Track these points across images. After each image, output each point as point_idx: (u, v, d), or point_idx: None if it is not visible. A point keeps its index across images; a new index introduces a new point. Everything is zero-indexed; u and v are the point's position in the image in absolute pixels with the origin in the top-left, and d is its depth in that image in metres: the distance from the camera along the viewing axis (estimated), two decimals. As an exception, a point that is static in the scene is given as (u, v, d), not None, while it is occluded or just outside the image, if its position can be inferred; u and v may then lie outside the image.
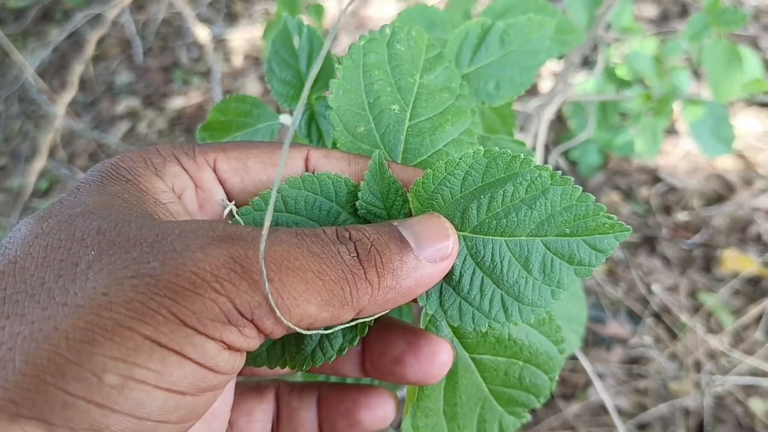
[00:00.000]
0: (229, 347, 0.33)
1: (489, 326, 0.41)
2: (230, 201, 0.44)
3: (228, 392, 0.49)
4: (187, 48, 2.47)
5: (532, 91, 2.14)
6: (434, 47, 0.53)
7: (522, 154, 0.40)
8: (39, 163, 2.05)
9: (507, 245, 0.41)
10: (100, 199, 0.37)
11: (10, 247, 0.35)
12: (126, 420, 0.30)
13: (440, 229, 0.40)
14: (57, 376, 0.29)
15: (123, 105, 2.33)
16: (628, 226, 0.40)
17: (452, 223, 0.41)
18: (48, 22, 2.54)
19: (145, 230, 0.34)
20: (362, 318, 0.41)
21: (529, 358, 0.48)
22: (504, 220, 0.40)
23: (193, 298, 0.31)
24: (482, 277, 0.41)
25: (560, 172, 0.40)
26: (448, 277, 0.41)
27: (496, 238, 0.41)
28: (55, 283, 0.32)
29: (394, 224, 0.39)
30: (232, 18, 2.54)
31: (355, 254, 0.36)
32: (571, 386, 1.62)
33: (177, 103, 2.31)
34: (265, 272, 0.32)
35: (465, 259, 0.41)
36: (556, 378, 0.49)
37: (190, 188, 0.43)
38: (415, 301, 0.42)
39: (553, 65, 2.20)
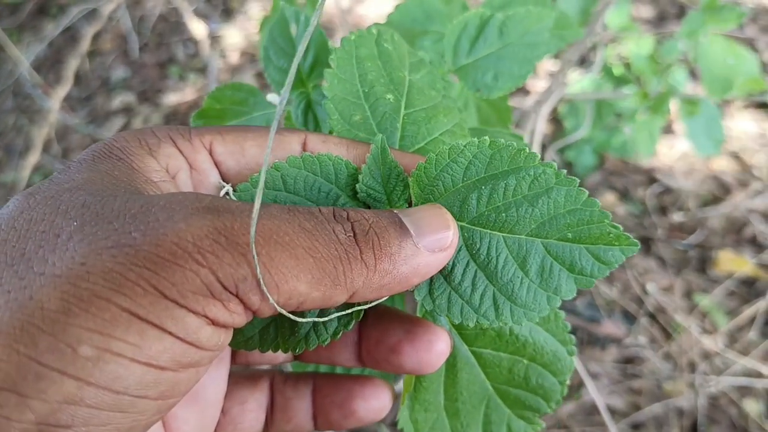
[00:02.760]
0: (213, 322, 0.32)
1: (477, 321, 0.40)
2: (226, 183, 0.43)
3: (221, 380, 0.48)
4: (183, 44, 2.46)
5: (528, 91, 2.14)
6: (415, 54, 0.53)
7: (527, 148, 0.39)
8: (33, 158, 2.04)
9: (505, 241, 0.40)
10: (89, 176, 0.36)
11: None
12: (102, 393, 0.29)
13: (441, 220, 0.39)
14: (30, 346, 0.28)
15: (118, 100, 2.32)
16: (635, 241, 0.38)
17: (451, 213, 0.40)
18: (44, 16, 2.53)
19: (130, 203, 0.33)
20: (357, 306, 0.40)
21: (534, 356, 0.47)
22: (503, 215, 0.39)
23: (173, 269, 0.30)
24: (475, 271, 0.40)
25: (564, 171, 0.39)
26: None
27: (494, 232, 0.40)
28: (35, 254, 0.31)
29: (395, 211, 0.39)
30: (228, 14, 2.53)
31: (352, 234, 0.36)
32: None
33: (172, 99, 2.30)
34: (254, 245, 0.32)
35: (460, 250, 0.40)
36: (567, 382, 0.48)
37: (185, 169, 0.42)
38: None
39: (549, 64, 2.20)
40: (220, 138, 0.43)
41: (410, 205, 0.43)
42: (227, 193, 0.42)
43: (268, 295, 0.32)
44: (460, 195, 0.40)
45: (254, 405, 0.50)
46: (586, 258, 0.39)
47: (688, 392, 1.59)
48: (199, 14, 2.48)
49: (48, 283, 0.30)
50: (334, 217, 0.36)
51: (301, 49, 0.26)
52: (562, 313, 0.47)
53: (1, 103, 2.33)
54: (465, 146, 0.40)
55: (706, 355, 1.64)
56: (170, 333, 0.30)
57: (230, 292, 0.32)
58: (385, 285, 0.37)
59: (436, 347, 0.45)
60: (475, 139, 0.40)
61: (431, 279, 0.41)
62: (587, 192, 0.38)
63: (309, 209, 0.36)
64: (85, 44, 2.24)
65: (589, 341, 1.71)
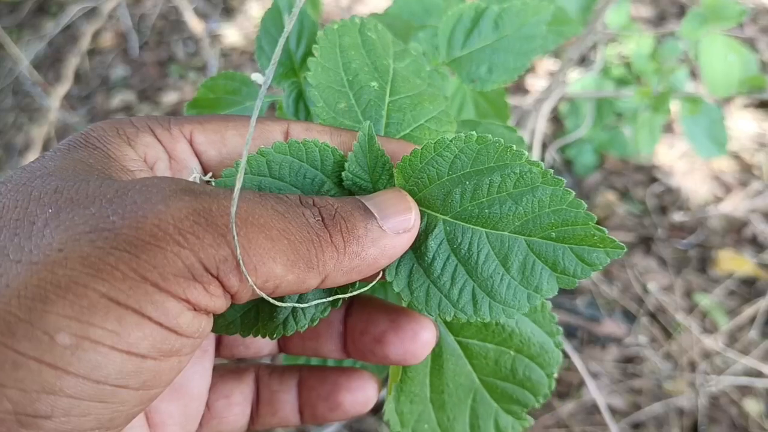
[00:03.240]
0: (194, 307, 0.32)
1: (454, 316, 0.40)
2: (206, 173, 0.43)
3: (205, 374, 0.48)
4: (183, 42, 2.46)
5: (528, 90, 2.14)
6: (399, 43, 0.53)
7: (514, 145, 0.39)
8: (33, 156, 2.04)
9: (487, 237, 0.39)
10: (61, 163, 0.36)
11: None
12: (81, 383, 0.29)
13: (402, 202, 0.39)
14: (7, 334, 0.28)
15: (118, 99, 2.32)
16: (621, 244, 0.38)
17: (434, 206, 0.41)
18: (43, 14, 2.53)
19: (104, 187, 0.33)
20: (336, 295, 0.40)
21: (520, 347, 0.47)
22: (487, 211, 0.39)
23: (154, 251, 0.30)
24: (456, 265, 0.40)
25: (552, 170, 0.38)
26: (421, 258, 0.41)
27: (476, 227, 0.40)
28: (11, 242, 0.31)
29: (357, 197, 0.39)
30: (228, 13, 2.53)
31: (320, 218, 0.36)
32: (566, 385, 1.61)
33: (172, 97, 2.30)
34: (234, 226, 0.32)
35: (441, 243, 0.40)
36: (555, 375, 0.48)
37: (163, 159, 0.42)
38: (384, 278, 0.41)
39: (549, 63, 2.19)
40: (200, 127, 0.43)
41: None
42: (200, 180, 0.42)
43: (247, 276, 0.32)
44: (444, 188, 0.40)
45: (239, 398, 0.50)
46: (569, 258, 0.38)
47: (688, 392, 1.58)
48: (199, 13, 2.48)
49: (25, 270, 0.29)
50: (301, 202, 0.37)
51: (288, 28, 0.26)
52: (549, 304, 0.47)
53: (1, 101, 2.33)
54: (452, 141, 0.39)
55: (707, 355, 1.64)
56: (150, 318, 0.30)
57: (211, 274, 0.32)
58: (355, 267, 0.37)
59: (421, 337, 0.45)
60: (462, 133, 0.39)
61: (411, 270, 0.41)
62: (573, 193, 0.38)
63: (277, 195, 0.36)
64: (84, 42, 2.24)
65: (589, 340, 1.71)
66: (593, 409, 1.57)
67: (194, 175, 0.42)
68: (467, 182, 0.39)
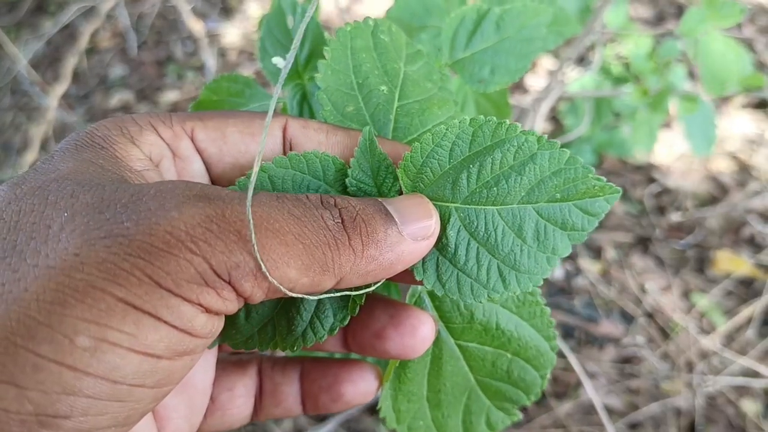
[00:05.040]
0: (207, 310, 0.32)
1: (488, 297, 0.41)
2: (208, 170, 0.43)
3: (209, 367, 0.49)
4: (181, 42, 2.46)
5: (527, 89, 2.14)
6: (413, 45, 0.53)
7: (507, 120, 0.40)
8: (31, 156, 2.04)
9: (499, 214, 0.40)
10: (74, 165, 0.36)
11: None
12: (99, 383, 0.29)
13: (424, 208, 0.40)
14: (27, 338, 0.28)
15: (116, 98, 2.31)
16: (617, 188, 0.40)
17: (444, 197, 0.41)
18: (42, 14, 2.52)
19: (119, 192, 0.33)
20: (344, 290, 0.40)
21: (518, 350, 0.48)
22: (494, 189, 0.40)
23: (167, 258, 0.31)
24: (477, 248, 0.41)
25: (546, 136, 0.40)
26: (444, 250, 0.41)
27: (487, 207, 0.40)
28: (27, 246, 0.31)
29: (379, 200, 0.39)
30: (227, 12, 2.53)
31: (340, 220, 0.36)
32: (563, 385, 1.62)
33: (171, 97, 2.29)
34: (252, 231, 0.32)
35: (459, 231, 0.41)
36: (548, 376, 0.49)
37: (168, 157, 0.42)
38: (410, 279, 0.41)
39: (548, 63, 2.20)
40: (201, 124, 0.43)
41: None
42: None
43: (272, 280, 0.33)
44: (450, 177, 0.41)
45: (242, 391, 0.50)
46: (575, 214, 0.40)
47: (685, 392, 1.58)
48: (198, 13, 2.48)
49: (42, 274, 0.30)
50: (322, 203, 0.37)
51: (299, 33, 0.26)
52: (548, 310, 0.48)
53: (-1, 100, 2.33)
54: (447, 129, 0.40)
55: (704, 355, 1.64)
56: (166, 322, 0.31)
57: (223, 280, 0.32)
58: (371, 271, 0.37)
59: (420, 332, 0.45)
60: (456, 120, 0.40)
61: (437, 264, 0.41)
62: (569, 152, 0.40)
63: (296, 196, 0.36)
64: (83, 42, 2.24)
65: (587, 341, 1.71)
66: (590, 409, 1.57)
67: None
68: (471, 166, 0.40)
